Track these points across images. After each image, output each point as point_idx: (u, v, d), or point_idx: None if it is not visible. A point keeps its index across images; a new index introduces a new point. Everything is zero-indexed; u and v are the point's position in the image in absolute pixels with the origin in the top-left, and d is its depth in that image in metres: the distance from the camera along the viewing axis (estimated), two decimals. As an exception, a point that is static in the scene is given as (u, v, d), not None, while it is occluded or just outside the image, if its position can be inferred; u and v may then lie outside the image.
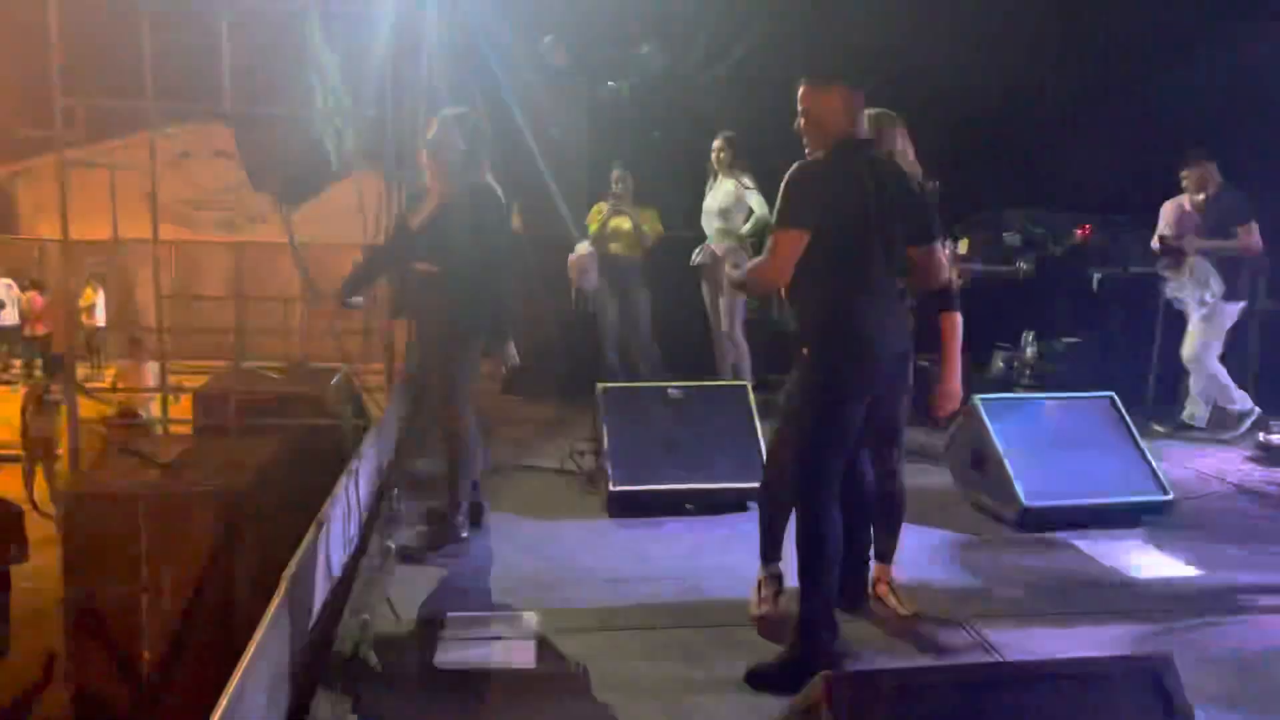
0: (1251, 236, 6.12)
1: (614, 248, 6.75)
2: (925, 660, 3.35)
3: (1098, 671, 2.16)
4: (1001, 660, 3.28)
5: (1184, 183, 6.27)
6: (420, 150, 4.41)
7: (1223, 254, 6.14)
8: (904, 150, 3.74)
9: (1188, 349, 6.31)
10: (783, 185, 3.20)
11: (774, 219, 3.24)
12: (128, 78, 6.90)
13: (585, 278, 6.81)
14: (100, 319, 16.39)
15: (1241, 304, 6.25)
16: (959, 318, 3.69)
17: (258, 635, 2.66)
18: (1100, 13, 7.68)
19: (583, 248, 6.84)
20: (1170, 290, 6.38)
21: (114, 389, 9.02)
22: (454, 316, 4.25)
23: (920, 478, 5.39)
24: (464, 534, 4.30)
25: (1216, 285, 6.14)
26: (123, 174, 9.09)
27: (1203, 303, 6.19)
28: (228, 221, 18.90)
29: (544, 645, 3.38)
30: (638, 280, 6.83)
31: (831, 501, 3.18)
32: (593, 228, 6.79)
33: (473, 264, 4.15)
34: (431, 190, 4.32)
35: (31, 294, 16.19)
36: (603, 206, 6.79)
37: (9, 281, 16.60)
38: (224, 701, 2.22)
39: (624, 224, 6.69)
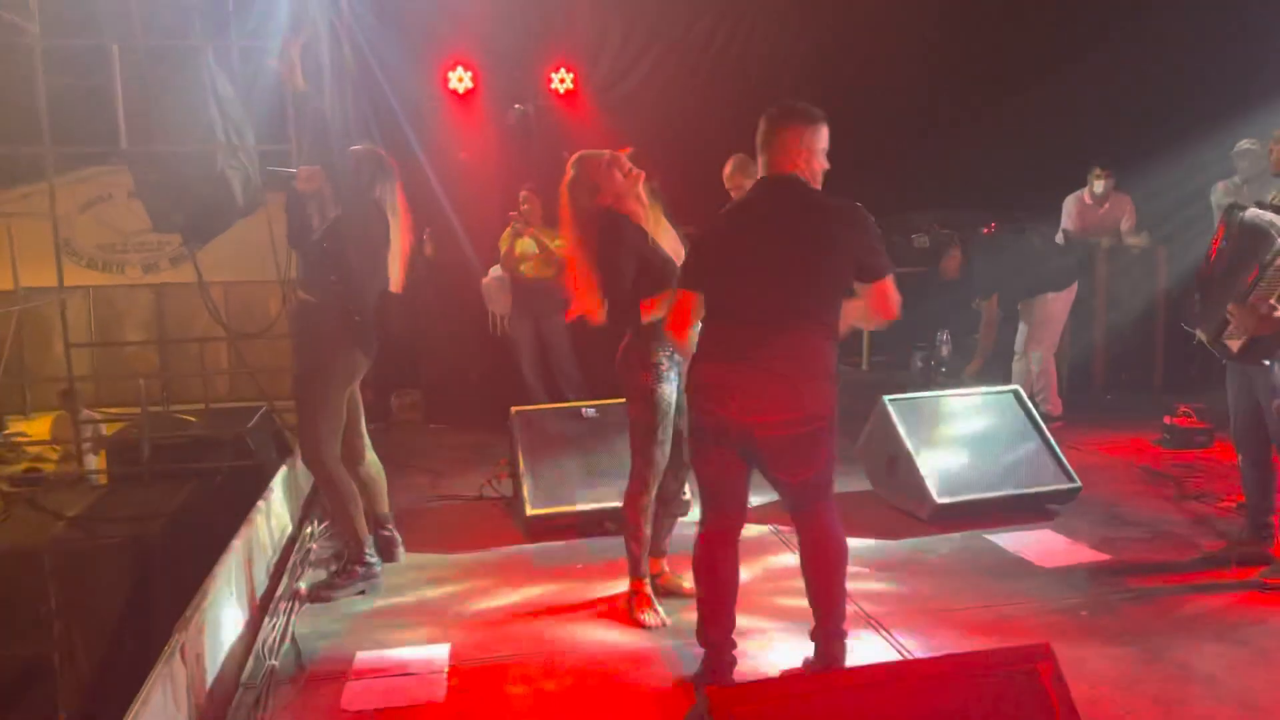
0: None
1: (525, 269, 6.72)
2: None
3: (977, 668, 2.18)
4: (890, 660, 3.30)
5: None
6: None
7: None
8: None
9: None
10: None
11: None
12: (29, 124, 6.74)
13: (496, 302, 6.78)
14: None
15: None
16: None
17: (144, 691, 2.59)
18: (995, 16, 7.89)
19: (494, 271, 6.82)
20: None
21: (28, 443, 8.72)
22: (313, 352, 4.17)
23: (838, 480, 5.47)
24: (376, 571, 4.22)
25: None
26: (31, 222, 8.85)
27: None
28: (152, 264, 18.53)
29: (455, 678, 3.34)
30: (552, 302, 6.80)
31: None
32: (502, 250, 6.77)
33: (336, 296, 4.06)
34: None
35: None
36: (510, 229, 6.76)
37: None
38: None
39: (530, 246, 6.67)
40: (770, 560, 4.38)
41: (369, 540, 4.24)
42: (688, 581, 3.55)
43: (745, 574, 4.14)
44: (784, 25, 7.76)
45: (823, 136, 3.10)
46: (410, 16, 7.35)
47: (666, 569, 4.02)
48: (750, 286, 3.00)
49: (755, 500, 5.15)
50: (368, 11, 7.26)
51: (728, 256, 3.06)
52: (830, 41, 7.81)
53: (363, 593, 4.13)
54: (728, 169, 5.86)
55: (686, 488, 4.16)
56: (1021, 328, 6.57)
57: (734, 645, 3.21)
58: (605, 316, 3.59)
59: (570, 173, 3.66)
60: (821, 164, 3.12)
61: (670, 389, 3.63)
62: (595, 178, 3.59)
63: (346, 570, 4.16)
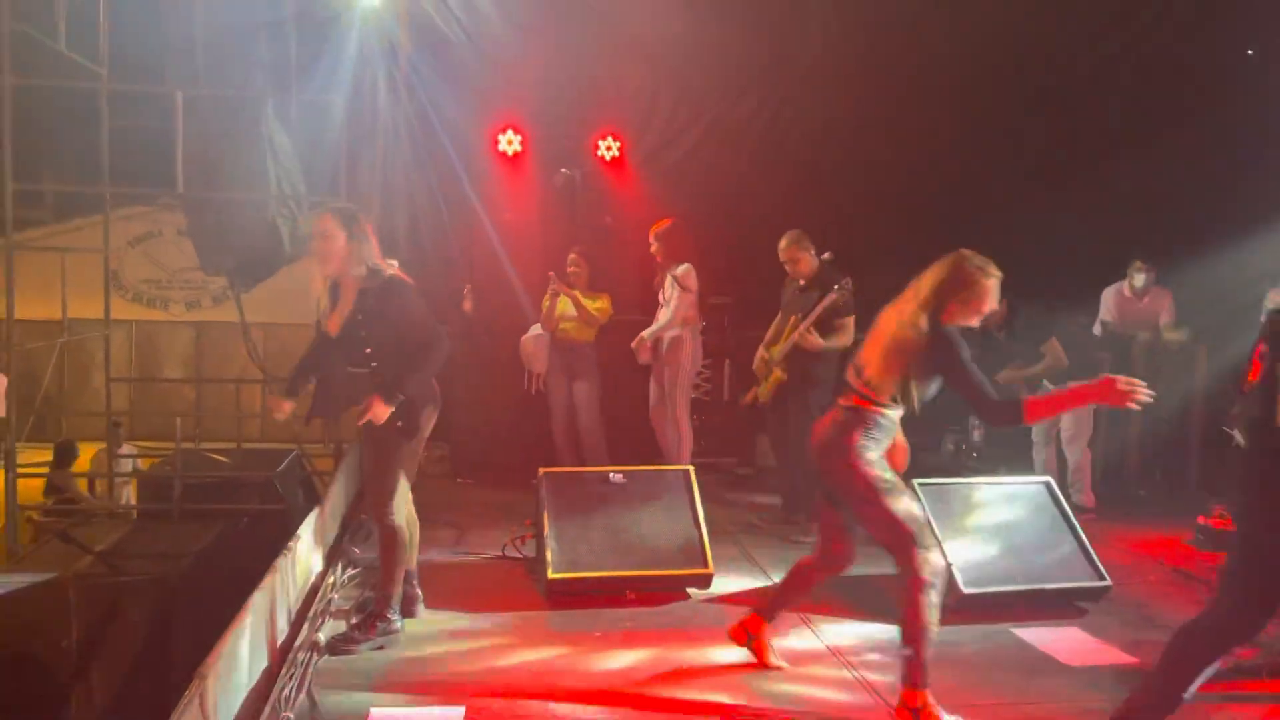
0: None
1: (565, 328, 6.79)
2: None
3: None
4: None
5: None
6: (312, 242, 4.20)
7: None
8: None
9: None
10: None
11: None
12: (93, 160, 6.97)
13: (534, 359, 6.84)
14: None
15: None
16: None
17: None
18: (1034, 108, 7.96)
19: (534, 330, 6.89)
20: None
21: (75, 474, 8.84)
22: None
23: (864, 564, 5.42)
24: (396, 626, 4.23)
25: None
26: (82, 255, 9.08)
27: None
28: (194, 301, 18.86)
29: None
30: (586, 363, 6.86)
31: None
32: (544, 309, 6.85)
33: (390, 358, 4.11)
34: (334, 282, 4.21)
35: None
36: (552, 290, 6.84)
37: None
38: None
39: (569, 307, 6.74)
40: (792, 642, 4.33)
41: (397, 598, 4.24)
42: None
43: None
44: (828, 106, 7.87)
45: None
46: (465, 77, 7.56)
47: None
48: None
49: (780, 578, 5.14)
50: (427, 70, 7.46)
51: None
52: (873, 122, 7.91)
53: (381, 648, 4.13)
54: (783, 243, 5.95)
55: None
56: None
57: None
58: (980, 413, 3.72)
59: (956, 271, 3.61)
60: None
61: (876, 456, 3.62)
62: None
63: (368, 624, 4.16)
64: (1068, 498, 6.42)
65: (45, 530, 6.13)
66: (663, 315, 6.57)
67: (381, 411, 3.97)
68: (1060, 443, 6.57)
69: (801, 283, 5.98)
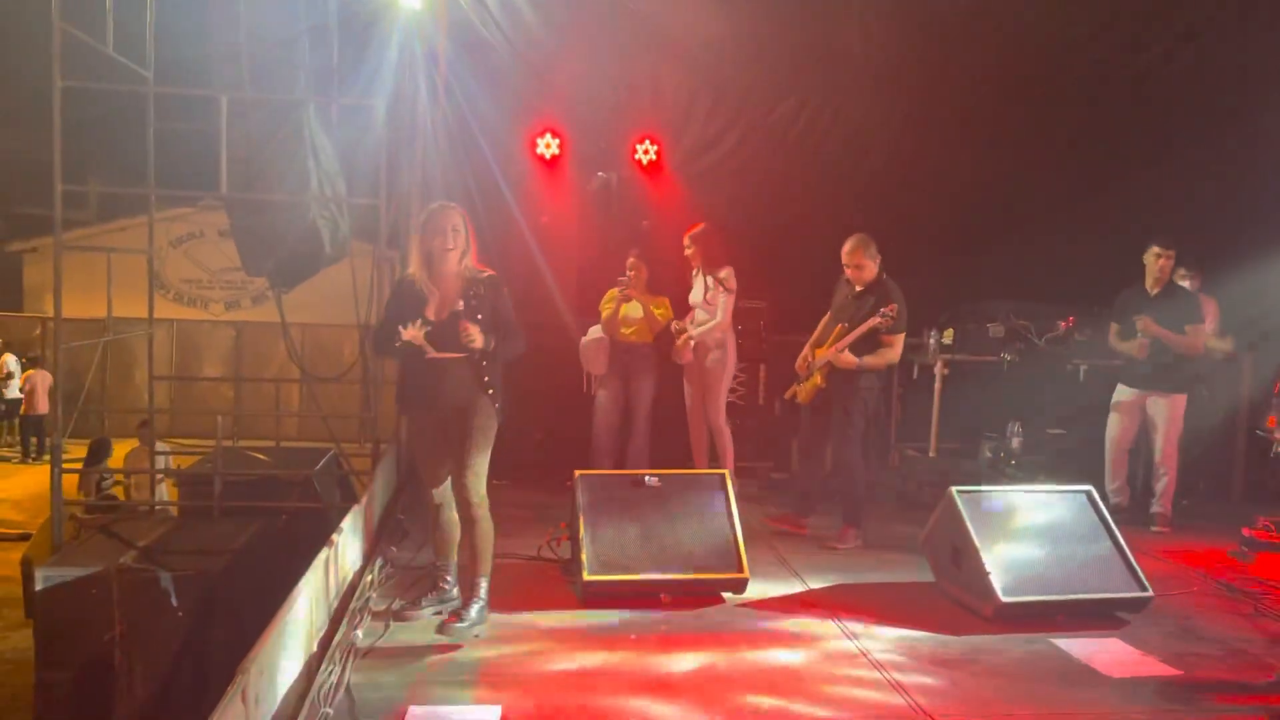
0: (1199, 338, 6.31)
1: (625, 333, 6.81)
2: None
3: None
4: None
5: (1154, 260, 6.37)
6: (414, 236, 4.47)
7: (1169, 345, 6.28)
8: None
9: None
10: None
11: None
12: (135, 162, 7.08)
13: (593, 362, 6.88)
14: (41, 404, 15.56)
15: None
16: None
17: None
18: (1084, 111, 7.87)
19: (594, 332, 6.92)
20: None
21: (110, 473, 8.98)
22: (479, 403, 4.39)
23: (900, 570, 5.41)
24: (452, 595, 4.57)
25: None
26: (125, 255, 9.23)
27: None
28: (234, 301, 19.14)
29: (504, 741, 3.34)
30: (646, 364, 6.87)
31: None
32: (605, 313, 6.86)
33: (489, 349, 4.32)
34: (431, 276, 4.38)
35: (30, 372, 16.24)
36: (614, 293, 6.85)
37: (16, 357, 16.68)
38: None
39: (635, 311, 6.77)
40: (828, 647, 4.31)
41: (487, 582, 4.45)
42: None
43: (801, 659, 4.13)
44: (867, 111, 7.83)
45: None
46: (504, 81, 7.59)
47: None
48: None
49: (816, 584, 5.14)
50: (466, 74, 7.51)
51: None
52: (913, 128, 7.86)
53: (439, 613, 4.44)
54: (849, 246, 5.84)
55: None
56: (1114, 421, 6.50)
57: None
58: None
59: None
60: None
61: None
62: None
63: (469, 600, 4.38)
64: (1147, 508, 6.40)
65: (87, 526, 6.23)
66: (699, 316, 6.57)
67: (476, 334, 4.21)
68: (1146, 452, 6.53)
69: (858, 288, 5.88)
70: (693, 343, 6.57)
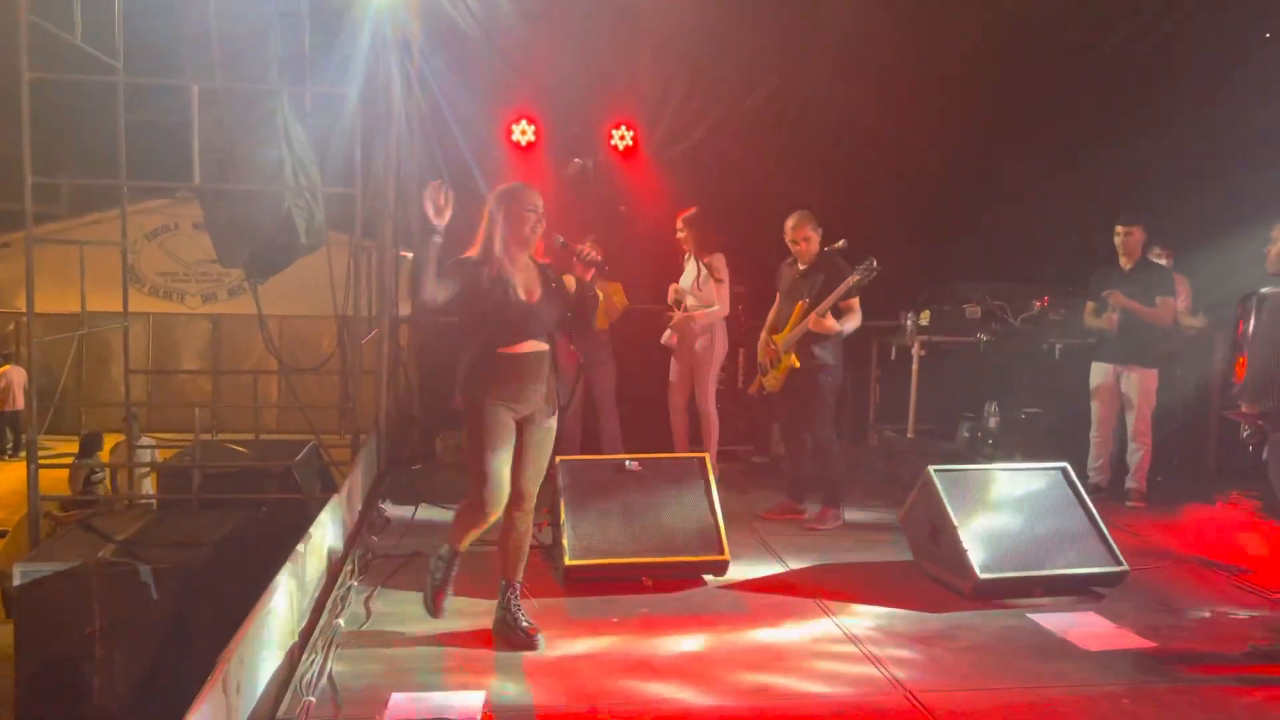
0: (1169, 310, 6.38)
1: None
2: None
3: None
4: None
5: (1118, 239, 6.43)
6: (489, 217, 4.10)
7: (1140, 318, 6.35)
8: None
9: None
10: None
11: None
12: (108, 154, 7.01)
13: None
14: (17, 400, 15.36)
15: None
16: None
17: None
18: (1056, 93, 7.92)
19: None
20: None
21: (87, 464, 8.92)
22: (554, 392, 4.18)
23: (880, 550, 5.45)
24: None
25: None
26: (98, 247, 9.15)
27: None
28: (211, 294, 18.98)
29: (487, 725, 3.35)
30: (604, 351, 6.88)
31: None
32: None
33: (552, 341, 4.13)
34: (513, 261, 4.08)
35: (5, 368, 16.06)
36: (570, 279, 6.83)
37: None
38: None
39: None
40: (809, 626, 4.35)
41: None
42: None
43: (782, 638, 4.16)
44: (839, 96, 7.85)
45: None
46: (478, 67, 7.57)
47: None
48: None
49: (796, 565, 5.17)
50: (440, 61, 7.47)
51: None
52: (885, 111, 7.88)
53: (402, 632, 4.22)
54: (792, 221, 5.85)
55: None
56: (1096, 406, 6.57)
57: None
58: None
59: None
60: None
61: None
62: None
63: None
64: (1118, 482, 6.45)
65: (64, 524, 6.20)
66: (690, 302, 6.57)
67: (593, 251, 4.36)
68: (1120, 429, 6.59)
69: (802, 266, 5.88)
70: (689, 325, 6.54)
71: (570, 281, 4.26)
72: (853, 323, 5.76)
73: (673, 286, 6.70)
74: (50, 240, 9.47)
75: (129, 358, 7.69)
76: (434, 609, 4.20)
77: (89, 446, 8.73)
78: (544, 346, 4.09)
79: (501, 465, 4.02)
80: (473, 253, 4.06)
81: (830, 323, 5.66)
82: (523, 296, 4.02)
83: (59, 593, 5.30)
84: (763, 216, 7.96)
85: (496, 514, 4.07)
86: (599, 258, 4.63)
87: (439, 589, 4.21)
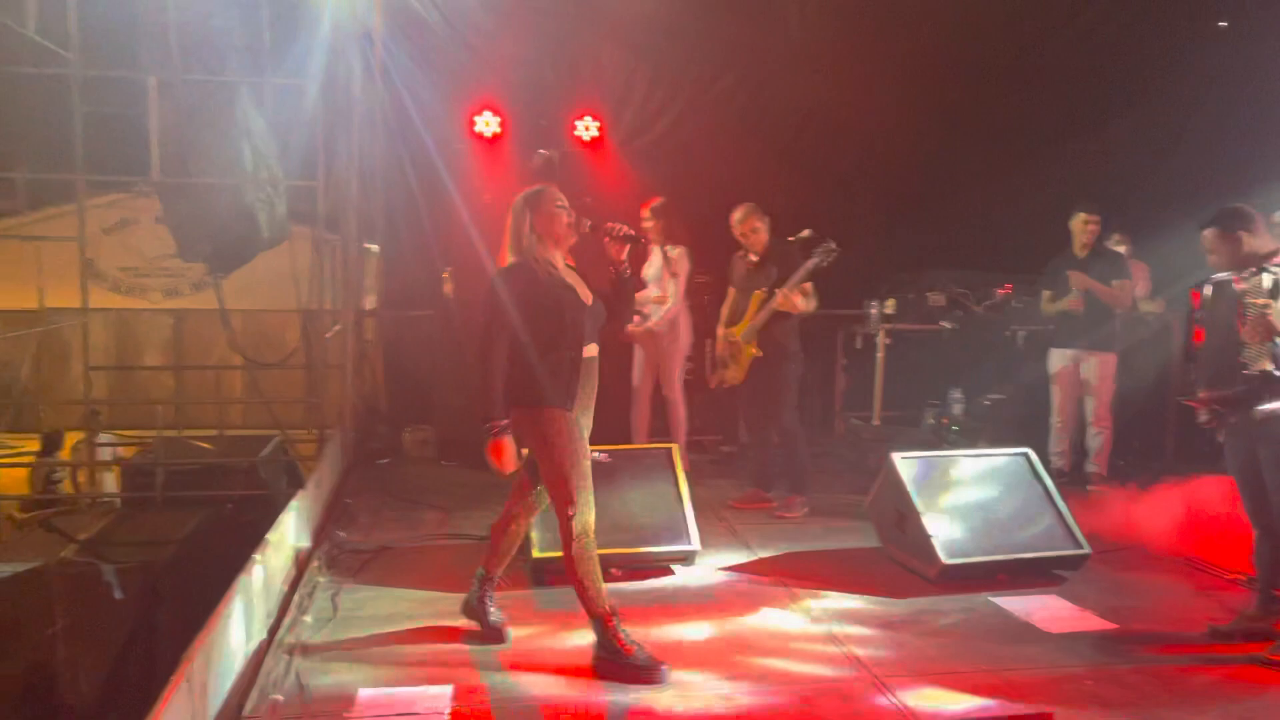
0: (1126, 292, 6.50)
1: None
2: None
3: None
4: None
5: (1082, 226, 6.51)
6: (521, 220, 4.20)
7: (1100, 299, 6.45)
8: None
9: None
10: None
11: None
12: (63, 148, 6.89)
13: None
14: None
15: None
16: None
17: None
18: (1017, 83, 7.99)
19: None
20: None
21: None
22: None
23: (846, 537, 5.50)
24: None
25: None
26: (56, 243, 8.99)
27: None
28: (173, 289, 18.71)
29: None
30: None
31: None
32: None
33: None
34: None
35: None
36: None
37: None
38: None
39: None
40: (777, 613, 4.37)
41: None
42: None
43: (750, 626, 4.18)
44: (805, 84, 7.87)
45: None
46: (441, 59, 7.50)
47: None
48: None
49: (764, 553, 5.20)
50: (402, 53, 7.41)
51: None
52: (847, 101, 7.92)
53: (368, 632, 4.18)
54: (739, 214, 5.94)
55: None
56: (1056, 391, 6.63)
57: None
58: None
59: None
60: None
61: None
62: None
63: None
64: (1080, 467, 6.53)
65: (27, 524, 6.10)
66: (652, 292, 6.57)
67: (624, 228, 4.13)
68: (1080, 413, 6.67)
69: (753, 258, 5.95)
70: (651, 321, 6.56)
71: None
72: (811, 304, 5.85)
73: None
74: (7, 236, 9.30)
75: (89, 354, 7.57)
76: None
77: (50, 445, 8.58)
78: (596, 349, 4.01)
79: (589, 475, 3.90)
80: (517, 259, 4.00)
81: (798, 299, 5.72)
82: (584, 299, 3.94)
83: (20, 593, 5.22)
84: (728, 206, 7.97)
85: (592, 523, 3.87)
86: (632, 232, 4.26)
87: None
